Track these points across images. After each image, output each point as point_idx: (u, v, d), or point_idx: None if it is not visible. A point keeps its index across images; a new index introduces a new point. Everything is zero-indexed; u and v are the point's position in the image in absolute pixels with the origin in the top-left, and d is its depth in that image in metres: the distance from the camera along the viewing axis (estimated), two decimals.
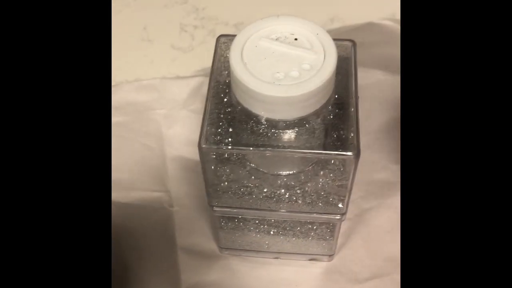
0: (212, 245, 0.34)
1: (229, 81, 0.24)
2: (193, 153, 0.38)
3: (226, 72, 0.25)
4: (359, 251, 0.33)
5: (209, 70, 0.26)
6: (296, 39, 0.23)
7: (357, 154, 0.23)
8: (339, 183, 0.25)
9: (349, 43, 0.26)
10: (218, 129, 0.24)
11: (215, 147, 0.24)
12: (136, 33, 0.44)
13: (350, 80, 0.25)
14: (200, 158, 0.24)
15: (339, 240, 0.33)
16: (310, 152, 0.24)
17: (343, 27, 0.43)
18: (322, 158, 0.24)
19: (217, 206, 0.28)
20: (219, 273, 0.33)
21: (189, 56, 0.43)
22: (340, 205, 0.27)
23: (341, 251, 0.33)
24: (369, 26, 0.42)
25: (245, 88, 0.22)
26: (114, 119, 0.38)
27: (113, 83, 0.40)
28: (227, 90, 0.25)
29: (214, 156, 0.25)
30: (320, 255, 0.32)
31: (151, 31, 0.44)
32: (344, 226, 0.34)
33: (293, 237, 0.31)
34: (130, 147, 0.38)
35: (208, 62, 0.26)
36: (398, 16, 0.43)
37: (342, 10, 0.44)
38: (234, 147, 0.24)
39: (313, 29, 0.24)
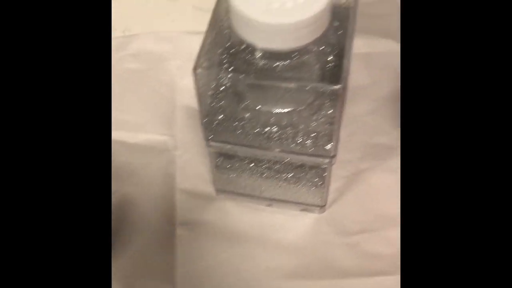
0: (210, 189, 0.35)
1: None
2: None
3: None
4: (351, 207, 0.34)
5: None
6: None
7: (344, 88, 0.24)
8: (326, 120, 0.26)
9: None
10: (213, 57, 0.25)
11: (208, 71, 0.25)
12: None
13: (348, 25, 0.26)
14: (195, 85, 0.26)
15: (332, 196, 0.34)
16: (299, 84, 0.25)
17: None
18: (309, 90, 0.25)
19: (212, 141, 0.29)
20: (213, 214, 0.34)
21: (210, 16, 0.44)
22: (327, 147, 0.27)
23: (333, 206, 0.34)
24: None
25: (241, 15, 0.23)
26: (131, 65, 0.40)
27: (133, 33, 0.42)
28: (227, 24, 0.26)
29: (211, 84, 0.26)
30: (311, 205, 0.33)
31: None
32: (339, 183, 0.35)
33: (285, 182, 0.32)
34: (143, 93, 0.39)
35: None
36: None
37: None
38: (225, 72, 0.25)
39: None
